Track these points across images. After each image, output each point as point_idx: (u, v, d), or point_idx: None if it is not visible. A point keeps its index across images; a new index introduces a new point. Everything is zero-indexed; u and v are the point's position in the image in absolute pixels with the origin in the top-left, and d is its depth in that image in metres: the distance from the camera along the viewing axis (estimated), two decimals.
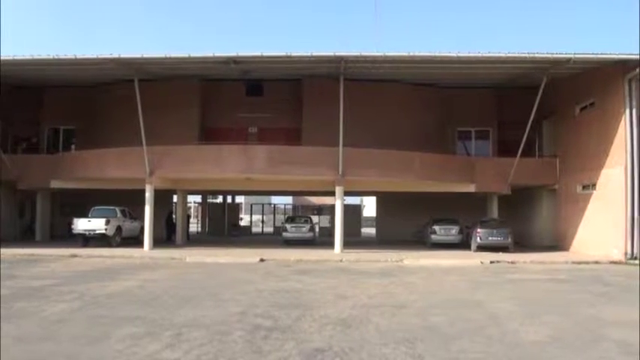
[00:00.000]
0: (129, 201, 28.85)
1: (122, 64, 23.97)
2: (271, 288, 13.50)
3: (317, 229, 36.01)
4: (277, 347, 7.47)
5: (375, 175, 25.81)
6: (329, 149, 25.05)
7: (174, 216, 33.63)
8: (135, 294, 12.17)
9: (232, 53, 23.19)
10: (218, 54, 23.22)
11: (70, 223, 26.78)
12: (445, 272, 17.93)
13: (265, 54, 23.22)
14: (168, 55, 23.31)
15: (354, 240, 33.67)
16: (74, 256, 21.59)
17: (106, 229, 25.81)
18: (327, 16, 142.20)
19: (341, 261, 21.50)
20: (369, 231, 43.10)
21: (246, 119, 32.12)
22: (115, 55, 22.90)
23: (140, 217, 27.53)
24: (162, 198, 29.50)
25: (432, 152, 27.35)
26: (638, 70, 21.70)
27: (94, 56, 23.20)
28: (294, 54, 23.06)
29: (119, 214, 27.35)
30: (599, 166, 24.47)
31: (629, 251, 22.09)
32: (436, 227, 28.64)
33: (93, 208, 27.01)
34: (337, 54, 22.88)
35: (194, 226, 44.50)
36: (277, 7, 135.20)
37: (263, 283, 14.57)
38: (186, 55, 23.42)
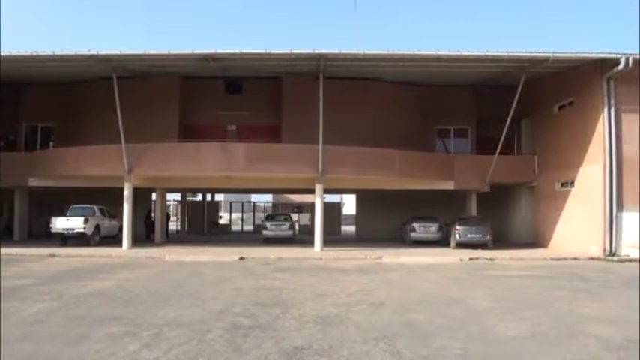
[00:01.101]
0: (108, 199, 28.64)
1: (100, 60, 23.75)
2: (251, 286, 13.45)
3: (297, 227, 36.01)
4: (257, 345, 7.43)
5: (354, 172, 25.85)
6: (309, 147, 25.02)
7: (153, 214, 33.44)
8: (114, 293, 12.05)
9: (211, 50, 23.09)
10: (197, 51, 23.12)
11: (49, 222, 26.50)
12: (424, 269, 17.99)
13: (244, 51, 23.14)
14: (146, 52, 23.14)
15: (334, 238, 33.70)
16: (53, 255, 21.36)
17: (84, 228, 25.60)
18: (308, 14, 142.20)
19: (321, 259, 21.50)
20: (349, 229, 43.17)
21: (225, 117, 31.97)
22: (94, 52, 22.69)
23: (119, 216, 27.33)
24: (141, 196, 29.28)
25: (411, 150, 27.46)
26: (616, 68, 21.99)
27: (72, 53, 22.97)
28: (273, 51, 23.01)
29: (98, 213, 27.11)
30: (578, 163, 24.75)
31: (607, 247, 22.45)
32: (415, 225, 28.76)
33: (71, 207, 26.73)
34: (317, 52, 22.85)
35: (173, 225, 44.24)
36: (258, 5, 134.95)
37: (242, 281, 14.51)
38: (165, 52, 23.26)
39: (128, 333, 8.10)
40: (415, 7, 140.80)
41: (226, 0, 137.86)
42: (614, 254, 22.27)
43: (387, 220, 33.96)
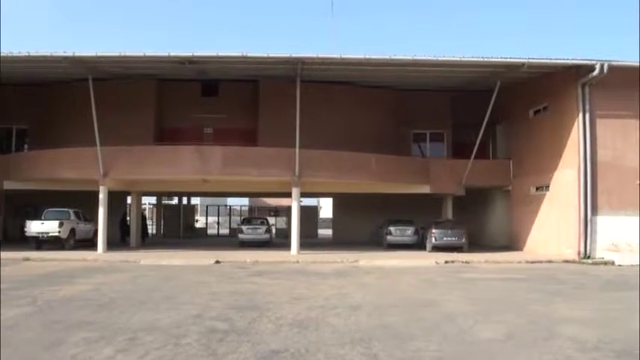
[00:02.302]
0: (83, 202, 28.33)
1: (76, 62, 23.47)
2: (227, 290, 13.39)
3: (273, 231, 35.93)
4: (233, 349, 7.39)
5: (331, 176, 25.86)
6: (285, 150, 24.99)
7: (128, 218, 33.15)
8: (89, 298, 11.93)
9: (188, 53, 22.98)
10: (173, 53, 22.98)
11: (23, 226, 26.16)
12: (400, 272, 18.06)
13: (221, 54, 23.06)
14: (122, 54, 22.92)
15: (310, 241, 33.70)
16: (27, 259, 21.08)
17: (59, 232, 25.30)
18: (285, 17, 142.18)
19: (297, 262, 21.49)
20: (326, 232, 43.17)
21: (201, 119, 31.87)
22: (69, 53, 22.42)
23: (94, 219, 27.06)
24: (117, 199, 29.04)
25: (387, 154, 27.56)
26: (591, 75, 22.30)
27: (48, 54, 22.65)
28: (250, 54, 22.94)
29: (73, 216, 26.80)
30: (552, 168, 25.03)
31: (582, 251, 22.74)
32: (392, 228, 28.82)
33: (46, 210, 26.39)
34: (294, 55, 22.83)
35: (149, 228, 43.90)
36: (235, 8, 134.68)
37: (218, 285, 14.44)
38: (141, 54, 23.09)
39: (103, 338, 8.02)
40: (392, 10, 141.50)
41: (204, 3, 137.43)
42: (588, 257, 22.55)
43: (364, 223, 34.04)
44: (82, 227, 27.51)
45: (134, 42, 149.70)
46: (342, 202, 36.22)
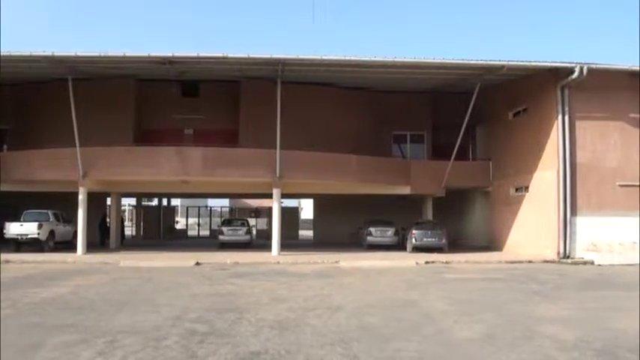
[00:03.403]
0: (62, 204, 28.06)
1: (55, 62, 23.21)
2: (207, 292, 13.35)
3: (254, 232, 35.86)
4: (213, 352, 7.38)
5: (312, 177, 25.84)
6: (266, 151, 24.96)
7: (108, 219, 32.89)
8: (68, 300, 11.83)
9: (168, 53, 22.84)
10: (153, 54, 22.82)
11: (2, 228, 25.85)
12: (381, 273, 18.12)
13: (201, 54, 22.95)
14: (101, 54, 22.74)
15: (291, 242, 33.63)
16: (6, 261, 20.77)
17: (38, 234, 25.04)
18: (266, 18, 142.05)
19: (278, 263, 21.48)
20: (307, 233, 43.14)
21: (182, 120, 31.74)
22: (48, 53, 22.17)
23: (73, 221, 26.82)
24: (96, 201, 28.81)
25: (368, 155, 27.58)
26: (570, 77, 22.53)
27: (27, 53, 22.37)
28: (230, 55, 22.85)
29: (52, 218, 26.52)
30: (532, 169, 25.24)
31: (561, 251, 22.95)
32: (372, 229, 28.90)
33: (25, 212, 26.11)
34: (275, 56, 22.79)
35: (128, 230, 43.61)
36: (217, 10, 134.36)
37: (199, 287, 14.39)
38: (121, 55, 22.91)
39: (82, 341, 7.97)
40: (375, 13, 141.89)
41: (185, 3, 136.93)
42: (568, 257, 22.78)
43: (345, 224, 34.08)
44: (62, 229, 27.24)
45: (114, 42, 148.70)
46: (322, 203, 36.23)
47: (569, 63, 22.76)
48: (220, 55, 22.84)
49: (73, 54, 22.61)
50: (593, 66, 22.54)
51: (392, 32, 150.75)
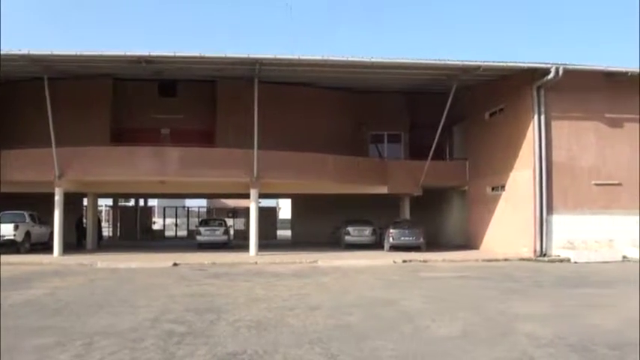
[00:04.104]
0: (38, 205, 27.73)
1: (31, 60, 22.91)
2: (184, 292, 13.29)
3: (232, 232, 35.76)
4: (190, 352, 7.35)
5: (290, 177, 25.85)
6: (243, 151, 24.90)
7: (84, 220, 32.59)
8: (45, 302, 11.71)
9: (144, 52, 22.68)
10: (130, 53, 22.64)
11: None
12: (358, 272, 18.16)
13: (178, 54, 22.83)
14: (78, 53, 22.49)
15: (269, 242, 33.65)
16: None
17: (14, 235, 24.76)
18: (243, 17, 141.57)
19: (256, 263, 21.44)
20: (285, 233, 43.11)
21: (158, 120, 31.58)
22: (25, 52, 21.90)
23: (50, 222, 26.53)
24: (73, 201, 28.54)
25: (346, 155, 27.66)
26: (546, 78, 22.77)
27: (3, 52, 22.08)
28: (207, 55, 22.78)
29: (28, 219, 26.23)
30: (508, 168, 25.47)
31: (538, 249, 23.19)
32: (350, 228, 28.99)
33: (1, 213, 25.79)
34: (252, 56, 22.74)
35: (105, 231, 43.25)
36: (194, 8, 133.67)
37: (176, 287, 14.32)
38: (97, 53, 22.74)
39: (59, 343, 7.89)
40: (352, 13, 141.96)
41: (161, 2, 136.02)
42: (544, 255, 23.03)
43: (323, 224, 34.10)
44: (38, 230, 26.98)
45: (93, 41, 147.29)
46: (300, 202, 36.26)
47: (545, 64, 23.00)
48: (197, 54, 22.76)
49: (49, 53, 22.37)
50: (569, 67, 22.83)
51: (373, 32, 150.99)
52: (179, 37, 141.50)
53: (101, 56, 23.09)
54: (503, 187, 26.30)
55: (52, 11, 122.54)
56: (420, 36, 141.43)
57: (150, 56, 22.97)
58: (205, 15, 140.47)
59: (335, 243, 31.04)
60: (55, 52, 22.46)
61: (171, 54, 22.93)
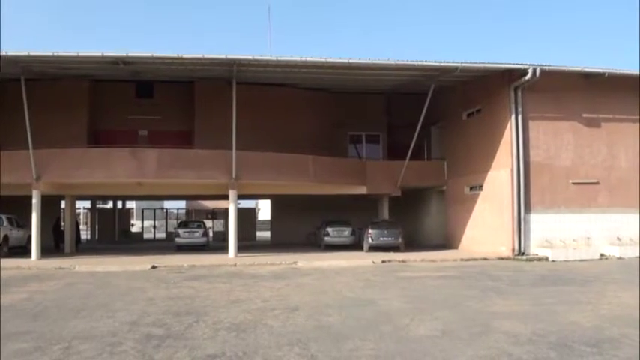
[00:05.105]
0: (15, 208, 27.39)
1: (9, 61, 22.57)
2: (163, 295, 13.22)
3: (210, 234, 35.64)
4: (169, 355, 7.33)
5: (268, 178, 25.79)
6: (222, 152, 24.82)
7: (62, 223, 32.28)
8: (23, 307, 11.57)
9: (122, 53, 22.51)
10: (107, 54, 22.43)
11: None
12: (338, 273, 18.18)
13: (155, 55, 22.66)
14: (54, 54, 22.24)
15: (248, 244, 33.60)
16: None
17: None
18: (222, 18, 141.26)
19: (235, 265, 21.37)
20: (265, 234, 43.09)
21: (136, 121, 31.37)
22: (2, 52, 21.63)
23: (27, 225, 26.22)
24: (50, 204, 28.22)
25: (324, 155, 27.68)
26: (523, 78, 22.99)
27: None
28: (185, 55, 22.65)
29: (6, 223, 25.86)
30: (486, 168, 25.66)
31: (516, 247, 23.41)
32: (329, 229, 29.05)
33: None
34: (229, 57, 22.66)
35: (83, 234, 42.89)
36: (171, 8, 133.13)
37: (155, 290, 14.24)
38: (74, 54, 22.48)
39: (38, 348, 7.82)
40: (331, 11, 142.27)
41: (138, 3, 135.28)
42: (523, 254, 23.23)
43: (302, 225, 34.15)
44: (16, 233, 26.65)
45: (70, 43, 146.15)
46: (280, 203, 36.24)
47: (522, 64, 23.20)
48: (174, 55, 22.62)
49: (25, 54, 22.10)
50: (546, 67, 23.06)
51: (352, 33, 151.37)
52: (156, 38, 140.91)
53: (78, 57, 22.84)
54: (481, 187, 26.49)
55: (31, 13, 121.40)
56: (408, 36, 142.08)
57: (127, 57, 22.80)
58: (185, 16, 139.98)
59: (314, 244, 31.10)
60: (32, 54, 22.20)
61: (148, 55, 22.75)
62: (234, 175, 24.47)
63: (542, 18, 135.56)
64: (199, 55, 22.85)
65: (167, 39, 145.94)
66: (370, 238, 26.58)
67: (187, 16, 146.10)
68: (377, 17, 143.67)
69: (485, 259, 22.68)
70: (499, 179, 24.81)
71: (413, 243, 30.11)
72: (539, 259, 22.38)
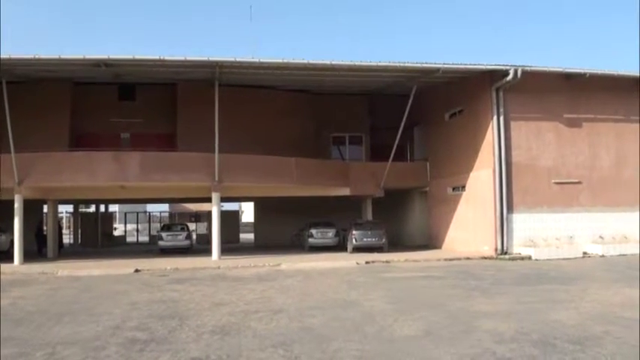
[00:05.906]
0: None
1: None
2: (147, 299, 13.18)
3: (194, 237, 35.52)
4: (153, 359, 7.33)
5: (252, 180, 25.76)
6: (205, 155, 24.72)
7: (45, 227, 31.98)
8: (6, 312, 11.47)
9: (103, 55, 22.36)
10: (89, 56, 22.25)
11: None
12: (322, 274, 18.22)
13: (137, 57, 22.50)
14: (35, 57, 22.01)
15: (232, 246, 33.53)
16: None
17: None
18: (205, 20, 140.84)
19: (218, 268, 21.32)
20: (249, 236, 43.01)
21: (118, 124, 31.16)
22: None
23: (9, 230, 25.96)
24: (32, 208, 28.00)
25: (307, 157, 27.71)
26: (505, 79, 23.15)
27: None
28: (167, 58, 22.54)
29: None
30: (468, 168, 25.81)
31: (499, 247, 23.56)
32: (313, 231, 29.07)
33: None
34: (212, 59, 22.59)
35: (66, 238, 42.56)
36: (156, 11, 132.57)
37: (138, 294, 14.18)
38: (55, 57, 22.27)
39: (21, 354, 7.77)
40: (312, 14, 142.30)
41: (122, 4, 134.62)
42: (506, 253, 23.39)
43: (286, 226, 34.13)
44: None
45: (52, 44, 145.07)
46: (263, 205, 36.19)
47: (503, 65, 23.35)
48: (157, 57, 22.49)
49: (7, 56, 21.85)
50: (527, 68, 23.23)
51: (335, 34, 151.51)
52: (138, 40, 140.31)
53: (60, 60, 22.63)
54: (463, 187, 26.64)
55: (16, 15, 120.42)
56: (396, 41, 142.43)
57: (109, 59, 22.66)
58: (167, 19, 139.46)
59: (298, 245, 31.09)
60: (13, 56, 21.96)
61: (130, 57, 22.60)
62: (217, 178, 24.42)
63: (529, 21, 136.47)
64: (182, 58, 22.77)
65: (153, 42, 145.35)
66: (354, 239, 26.63)
67: (177, 19, 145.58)
68: (365, 22, 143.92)
69: (468, 258, 22.82)
70: (481, 179, 24.97)
71: (396, 243, 30.21)
72: (522, 259, 22.55)
